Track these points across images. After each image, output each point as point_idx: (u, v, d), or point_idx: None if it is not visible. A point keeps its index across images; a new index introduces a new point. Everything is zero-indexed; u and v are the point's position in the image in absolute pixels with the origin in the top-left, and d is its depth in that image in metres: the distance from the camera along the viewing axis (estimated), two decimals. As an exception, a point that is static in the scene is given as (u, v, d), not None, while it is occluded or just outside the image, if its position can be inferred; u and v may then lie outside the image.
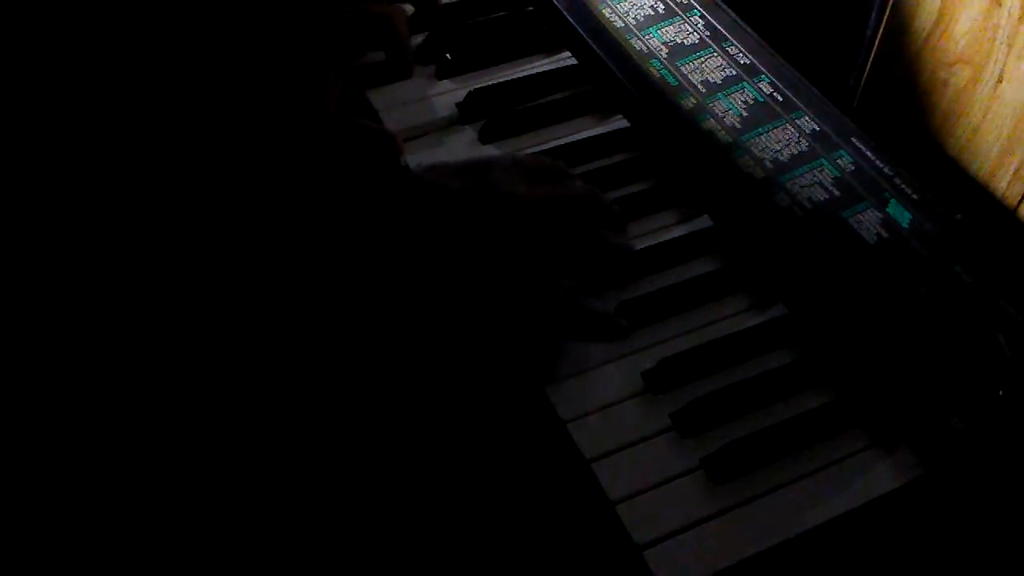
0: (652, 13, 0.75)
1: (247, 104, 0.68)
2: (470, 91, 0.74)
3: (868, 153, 0.64)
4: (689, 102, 0.69)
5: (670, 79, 0.71)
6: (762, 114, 0.68)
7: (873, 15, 0.69)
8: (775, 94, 0.69)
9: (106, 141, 0.64)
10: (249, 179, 0.67)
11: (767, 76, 0.70)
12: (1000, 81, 0.62)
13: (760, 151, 0.66)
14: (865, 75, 0.71)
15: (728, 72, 0.70)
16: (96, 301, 0.52)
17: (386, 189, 0.67)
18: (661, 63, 0.72)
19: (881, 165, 0.64)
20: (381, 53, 0.77)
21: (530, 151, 0.70)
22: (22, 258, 0.56)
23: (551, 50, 0.78)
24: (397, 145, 0.69)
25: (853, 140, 0.65)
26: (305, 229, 0.58)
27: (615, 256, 0.62)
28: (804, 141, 0.66)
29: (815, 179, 0.64)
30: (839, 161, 0.64)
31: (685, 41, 0.73)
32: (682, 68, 0.71)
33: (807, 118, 0.67)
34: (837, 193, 0.63)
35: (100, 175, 0.63)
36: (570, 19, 0.77)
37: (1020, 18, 0.59)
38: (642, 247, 0.64)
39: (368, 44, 0.74)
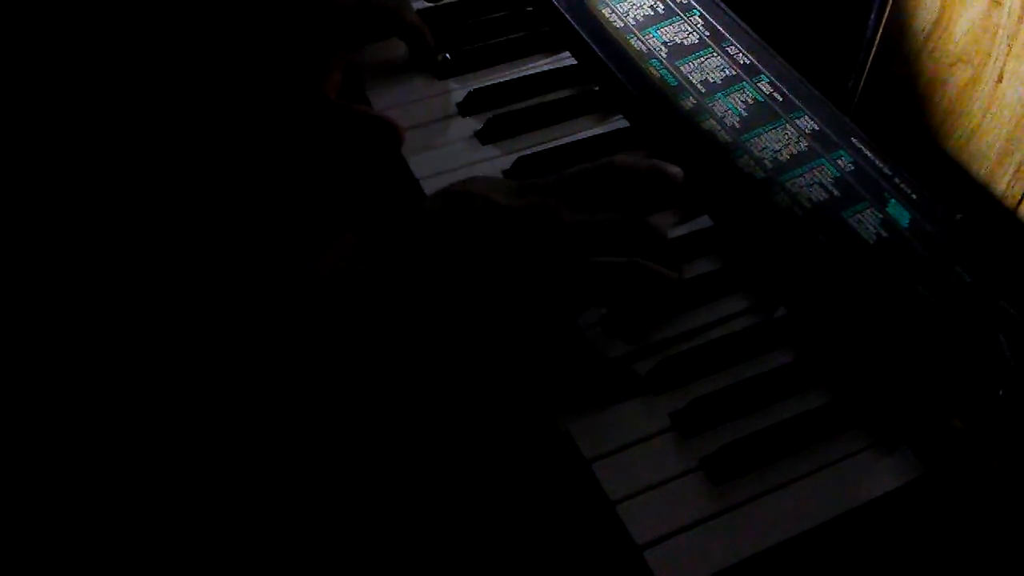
0: (652, 13, 0.75)
1: (247, 91, 0.68)
2: (470, 91, 0.74)
3: (868, 153, 0.64)
4: (689, 102, 0.69)
5: (670, 79, 0.71)
6: (762, 114, 0.68)
7: (873, 15, 0.69)
8: (775, 94, 0.69)
9: (103, 131, 0.64)
10: (250, 168, 0.67)
11: (767, 76, 0.70)
12: (1000, 81, 0.62)
13: (760, 151, 0.66)
14: (865, 75, 0.71)
15: (728, 72, 0.71)
16: (94, 299, 0.52)
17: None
18: (661, 63, 0.72)
19: (881, 165, 0.64)
20: (380, 54, 0.77)
21: (530, 151, 0.70)
22: (22, 258, 0.56)
23: (551, 50, 0.78)
24: (398, 133, 0.69)
25: (853, 140, 0.65)
26: (308, 223, 0.58)
27: (656, 287, 0.57)
28: (804, 141, 0.66)
29: (815, 179, 0.64)
30: (839, 161, 0.64)
31: (685, 41, 0.73)
32: (682, 68, 0.71)
33: (807, 118, 0.67)
34: (837, 193, 0.63)
35: (98, 168, 0.63)
36: (570, 19, 0.77)
37: (1020, 18, 0.59)
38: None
39: (370, 33, 0.74)
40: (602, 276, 0.56)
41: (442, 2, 0.82)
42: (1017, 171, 0.62)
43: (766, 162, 0.65)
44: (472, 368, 0.56)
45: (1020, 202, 0.63)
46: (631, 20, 0.75)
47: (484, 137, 0.71)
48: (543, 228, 0.56)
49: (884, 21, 0.68)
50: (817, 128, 0.66)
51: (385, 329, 0.54)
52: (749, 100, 0.69)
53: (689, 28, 0.74)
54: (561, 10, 0.77)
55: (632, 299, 0.58)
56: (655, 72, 0.72)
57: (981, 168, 0.65)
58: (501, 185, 0.60)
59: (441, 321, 0.54)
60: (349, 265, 0.55)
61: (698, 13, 0.75)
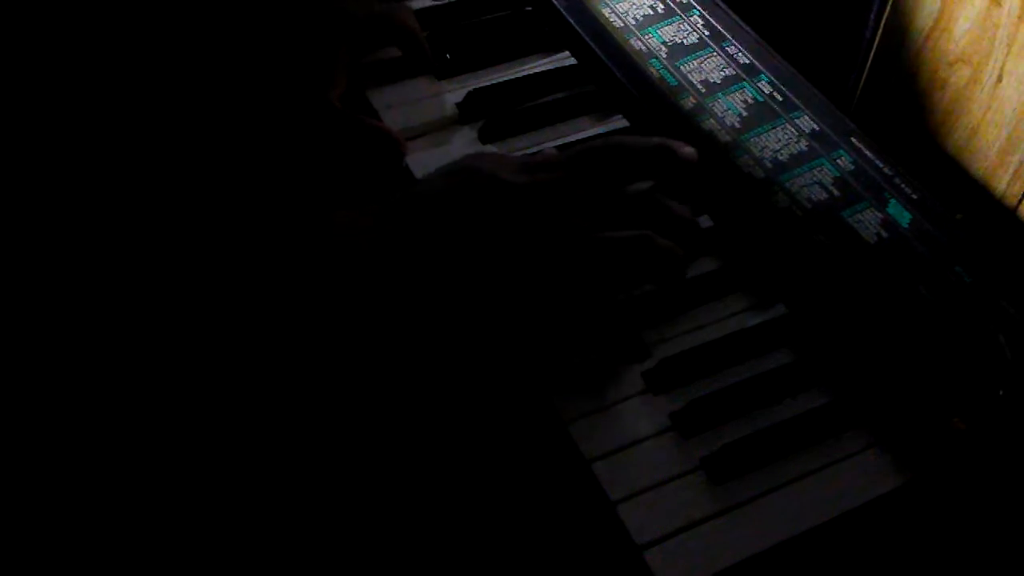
0: (651, 13, 0.75)
1: (253, 100, 0.68)
2: (470, 91, 0.74)
3: (868, 153, 0.64)
4: (689, 102, 0.69)
5: (669, 79, 0.71)
6: (762, 114, 0.68)
7: (873, 15, 0.69)
8: (775, 94, 0.69)
9: (108, 136, 0.64)
10: (254, 174, 0.67)
11: (766, 76, 0.70)
12: (1000, 80, 0.62)
13: (760, 151, 0.66)
14: (865, 75, 0.71)
15: (727, 72, 0.70)
16: (95, 301, 0.52)
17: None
18: (660, 63, 0.72)
19: (881, 165, 0.64)
20: (380, 53, 0.77)
21: (530, 151, 0.70)
22: (22, 258, 0.56)
23: (551, 50, 0.78)
24: (400, 145, 0.69)
25: (853, 140, 0.65)
26: (311, 224, 0.57)
27: (663, 262, 0.57)
28: (804, 141, 0.66)
29: (815, 179, 0.64)
30: (839, 161, 0.64)
31: (684, 41, 0.73)
32: (681, 68, 0.71)
33: (807, 118, 0.67)
34: (837, 193, 0.63)
35: (101, 172, 0.63)
36: (569, 19, 0.77)
37: (1020, 17, 0.59)
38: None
39: (377, 41, 0.74)
40: (611, 251, 0.55)
41: (443, 1, 0.82)
42: (1017, 171, 0.62)
43: (766, 162, 0.65)
44: (476, 354, 0.55)
45: (1020, 202, 0.63)
46: (631, 20, 0.75)
47: (484, 137, 0.71)
48: (551, 205, 0.55)
49: (884, 21, 0.68)
50: (817, 128, 0.66)
51: (386, 315, 0.53)
52: (749, 100, 0.69)
53: (689, 28, 0.74)
54: (561, 10, 0.77)
55: (641, 274, 0.58)
56: (655, 72, 0.71)
57: (981, 168, 0.65)
58: (507, 161, 0.59)
59: (445, 304, 0.54)
60: (352, 245, 0.54)
61: (698, 13, 0.75)
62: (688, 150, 0.61)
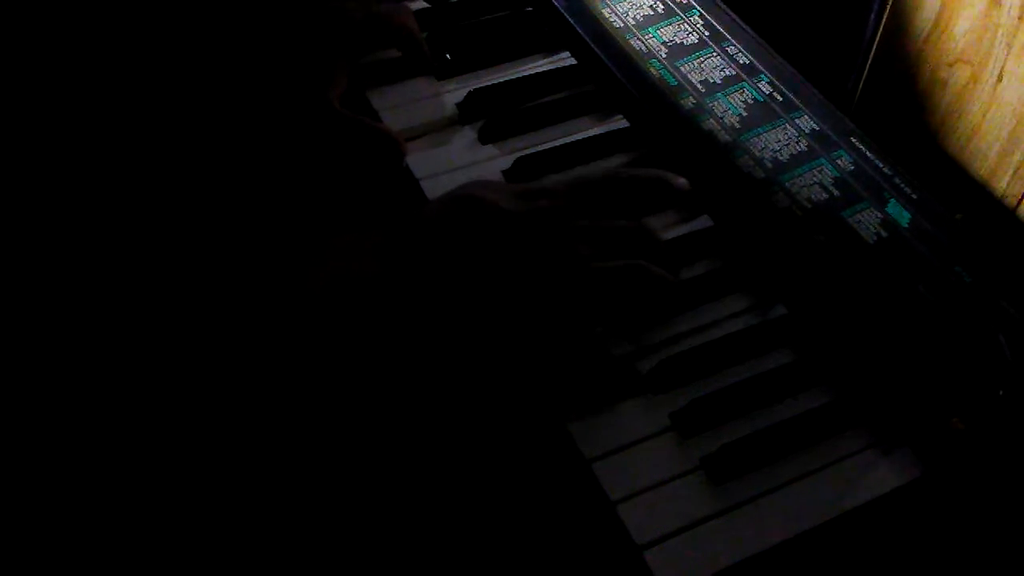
0: (651, 13, 0.75)
1: (253, 101, 0.68)
2: (470, 91, 0.74)
3: (868, 153, 0.64)
4: (688, 102, 0.69)
5: (669, 79, 0.71)
6: (761, 114, 0.68)
7: (872, 15, 0.69)
8: (774, 94, 0.69)
9: (106, 138, 0.64)
10: (253, 175, 0.67)
11: (766, 76, 0.70)
12: (1000, 81, 0.62)
13: (760, 151, 0.66)
14: (865, 75, 0.71)
15: (727, 72, 0.70)
16: (95, 301, 0.52)
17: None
18: (660, 63, 0.72)
19: (881, 165, 0.64)
20: (380, 53, 0.77)
21: (530, 151, 0.70)
22: (22, 258, 0.56)
23: (551, 50, 0.78)
24: (400, 145, 0.69)
25: (853, 140, 0.65)
26: (310, 227, 0.58)
27: (657, 290, 0.58)
28: (803, 141, 0.66)
29: (815, 179, 0.64)
30: (839, 161, 0.64)
31: (684, 41, 0.73)
32: (681, 68, 0.71)
33: (807, 118, 0.67)
34: (837, 193, 0.63)
35: (99, 174, 0.63)
36: (569, 19, 0.77)
37: (1020, 18, 0.59)
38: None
39: (376, 42, 0.75)
40: (605, 280, 0.57)
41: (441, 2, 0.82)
42: (1017, 171, 0.62)
43: (766, 162, 0.65)
44: (476, 369, 0.56)
45: (1020, 202, 0.63)
46: (631, 20, 0.75)
47: (484, 137, 0.71)
48: (548, 233, 0.57)
49: (884, 21, 0.68)
50: (817, 128, 0.66)
51: (388, 332, 0.54)
52: (749, 100, 0.69)
53: (689, 28, 0.74)
54: (561, 10, 0.77)
55: (633, 301, 0.59)
56: (655, 72, 0.71)
57: (981, 168, 0.65)
58: (506, 189, 0.60)
59: (446, 325, 0.55)
60: (352, 269, 0.55)
61: (698, 13, 0.75)
62: (681, 181, 0.64)
